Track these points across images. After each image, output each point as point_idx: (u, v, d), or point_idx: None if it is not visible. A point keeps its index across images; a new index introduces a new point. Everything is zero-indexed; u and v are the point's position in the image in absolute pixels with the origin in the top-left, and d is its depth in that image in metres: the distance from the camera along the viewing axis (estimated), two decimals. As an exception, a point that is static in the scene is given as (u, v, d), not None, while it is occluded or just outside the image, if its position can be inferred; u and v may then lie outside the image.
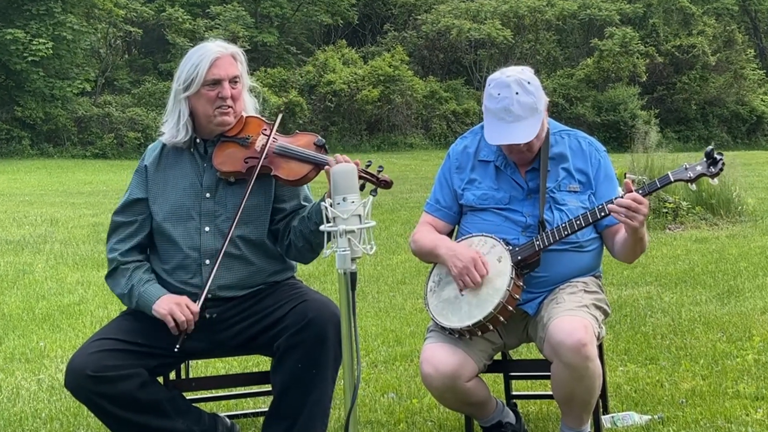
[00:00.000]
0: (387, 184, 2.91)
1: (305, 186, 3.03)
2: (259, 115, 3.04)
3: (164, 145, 3.01)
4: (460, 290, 2.88)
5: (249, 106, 3.02)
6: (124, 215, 2.99)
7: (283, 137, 2.98)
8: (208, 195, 2.94)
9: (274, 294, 2.96)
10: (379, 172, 2.90)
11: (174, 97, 2.92)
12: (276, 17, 30.67)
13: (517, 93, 2.84)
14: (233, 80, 2.91)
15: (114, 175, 18.05)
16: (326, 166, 2.82)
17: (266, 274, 2.99)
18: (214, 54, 2.88)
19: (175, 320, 2.78)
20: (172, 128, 2.94)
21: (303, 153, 2.90)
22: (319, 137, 2.95)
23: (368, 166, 2.90)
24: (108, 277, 2.99)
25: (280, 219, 2.99)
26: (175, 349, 2.78)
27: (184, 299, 2.82)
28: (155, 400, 2.83)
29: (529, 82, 2.88)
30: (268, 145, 2.90)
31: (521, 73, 2.90)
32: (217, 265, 2.84)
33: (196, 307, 2.81)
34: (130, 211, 2.98)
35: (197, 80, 2.86)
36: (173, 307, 2.79)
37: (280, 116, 3.06)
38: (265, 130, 2.96)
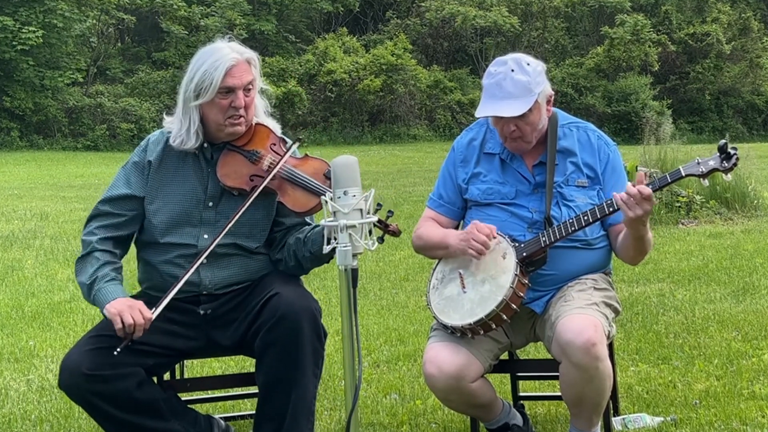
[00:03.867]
0: (395, 234, 2.86)
1: None
2: (269, 124, 3.00)
3: (167, 139, 2.97)
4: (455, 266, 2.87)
5: (260, 109, 3.00)
6: (112, 206, 2.94)
7: (293, 159, 2.94)
8: (210, 204, 2.93)
9: (256, 289, 2.93)
10: (389, 217, 2.83)
11: (184, 103, 2.89)
12: (274, 4, 30.54)
13: (512, 70, 2.82)
14: (247, 87, 2.88)
15: (106, 167, 17.83)
16: None
17: (265, 268, 2.99)
18: (229, 61, 2.81)
19: (123, 323, 2.70)
20: (183, 135, 2.90)
21: (311, 183, 2.87)
22: (330, 168, 2.89)
23: (377, 210, 2.77)
24: (80, 259, 2.91)
25: (277, 231, 3.00)
26: (115, 353, 2.69)
27: (139, 303, 2.75)
28: (152, 400, 2.80)
29: (528, 64, 2.85)
30: (277, 169, 2.87)
31: (524, 56, 2.89)
32: (192, 269, 2.81)
33: (150, 314, 2.73)
34: (120, 205, 2.94)
35: (211, 88, 2.82)
36: (124, 309, 2.71)
37: (294, 146, 2.98)
38: (274, 144, 2.95)
